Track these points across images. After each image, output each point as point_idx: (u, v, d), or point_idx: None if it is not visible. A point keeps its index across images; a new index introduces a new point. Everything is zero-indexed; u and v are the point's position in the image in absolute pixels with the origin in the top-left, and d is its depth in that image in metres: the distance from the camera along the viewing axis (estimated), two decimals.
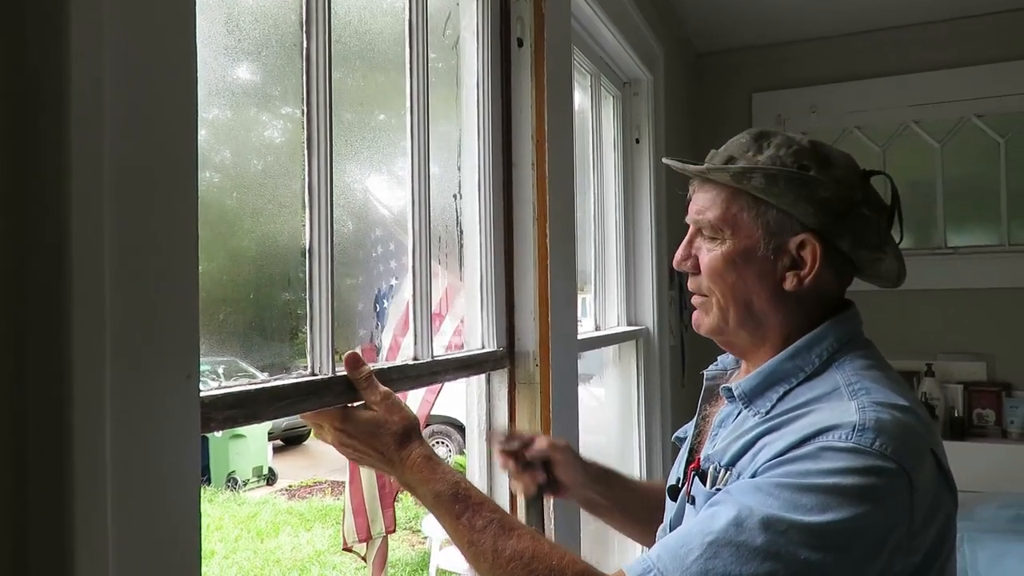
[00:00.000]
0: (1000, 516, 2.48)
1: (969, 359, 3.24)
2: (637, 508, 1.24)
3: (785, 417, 0.87)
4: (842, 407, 0.83)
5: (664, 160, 1.07)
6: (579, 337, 1.77)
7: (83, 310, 0.53)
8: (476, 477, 1.44)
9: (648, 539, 1.21)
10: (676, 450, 1.27)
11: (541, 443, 1.18)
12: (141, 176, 0.59)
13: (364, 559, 2.38)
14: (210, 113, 1.00)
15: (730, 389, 0.98)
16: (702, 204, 0.97)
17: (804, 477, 0.77)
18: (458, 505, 0.88)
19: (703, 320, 1.00)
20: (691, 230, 1.01)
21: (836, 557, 0.75)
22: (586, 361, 2.31)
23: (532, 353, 1.46)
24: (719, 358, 1.15)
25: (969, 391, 3.19)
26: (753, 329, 0.97)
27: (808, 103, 3.46)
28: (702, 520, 0.80)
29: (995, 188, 3.26)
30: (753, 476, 0.83)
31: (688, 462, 1.03)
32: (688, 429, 1.15)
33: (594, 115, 2.37)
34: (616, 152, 2.53)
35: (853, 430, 0.79)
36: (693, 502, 0.94)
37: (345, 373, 0.94)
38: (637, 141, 2.61)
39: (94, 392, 0.53)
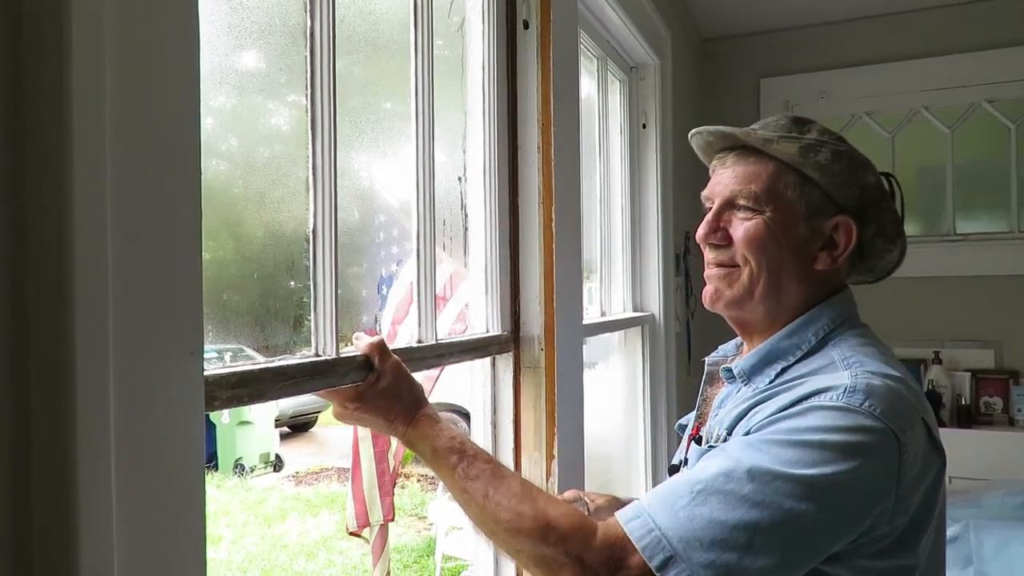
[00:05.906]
0: (1007, 503, 2.48)
1: (977, 347, 3.22)
2: None
3: (780, 388, 0.90)
4: (836, 375, 0.86)
5: (705, 129, 1.02)
6: (584, 322, 1.77)
7: (86, 285, 0.53)
8: None
9: None
10: (679, 439, 1.27)
11: (600, 501, 1.18)
12: (144, 157, 0.59)
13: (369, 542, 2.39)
14: (216, 101, 1.00)
15: (729, 370, 1.00)
16: (743, 175, 0.97)
17: (792, 433, 0.80)
18: (454, 456, 0.91)
19: (724, 292, 0.98)
20: (718, 203, 0.99)
21: (818, 508, 0.76)
22: (591, 348, 2.31)
23: (537, 337, 1.46)
24: (720, 347, 1.16)
25: (977, 379, 3.18)
26: (773, 304, 0.97)
27: (817, 88, 3.42)
28: (693, 471, 0.82)
29: (1005, 174, 3.23)
30: (746, 435, 0.85)
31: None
32: (691, 417, 1.16)
33: (601, 99, 2.35)
34: (622, 137, 2.51)
35: (844, 391, 0.82)
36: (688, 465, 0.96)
37: (348, 354, 0.95)
38: (644, 126, 2.59)
39: (97, 368, 0.53)
